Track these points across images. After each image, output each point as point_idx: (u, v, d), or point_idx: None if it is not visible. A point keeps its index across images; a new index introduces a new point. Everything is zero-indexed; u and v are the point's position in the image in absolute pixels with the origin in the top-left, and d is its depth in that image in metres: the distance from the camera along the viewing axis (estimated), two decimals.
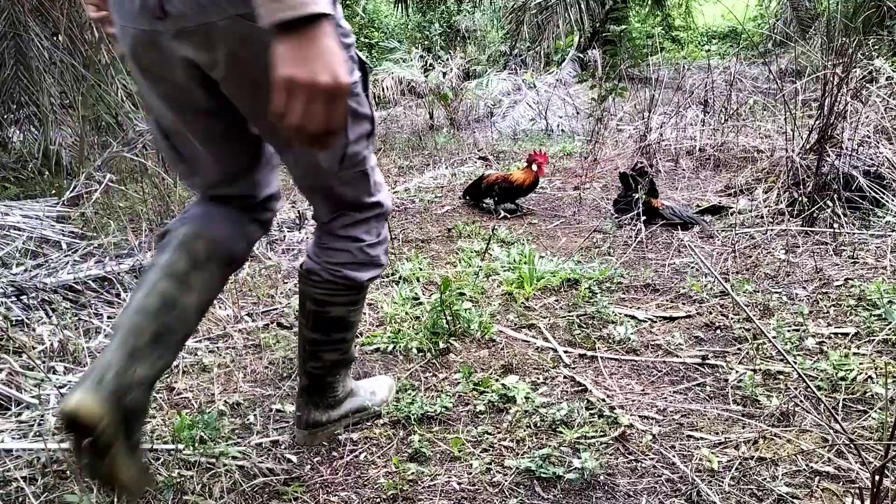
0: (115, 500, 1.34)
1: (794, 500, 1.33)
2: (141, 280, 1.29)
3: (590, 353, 2.01)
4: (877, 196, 3.00)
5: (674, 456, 1.49)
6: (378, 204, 1.47)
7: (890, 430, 1.38)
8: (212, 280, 1.34)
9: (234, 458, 1.51)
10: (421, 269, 2.68)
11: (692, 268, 2.62)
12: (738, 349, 1.99)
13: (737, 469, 1.44)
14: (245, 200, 1.42)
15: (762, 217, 3.03)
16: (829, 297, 2.25)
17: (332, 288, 1.47)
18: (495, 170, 4.55)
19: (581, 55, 9.09)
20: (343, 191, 1.40)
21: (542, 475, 1.44)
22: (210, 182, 1.39)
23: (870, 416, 1.58)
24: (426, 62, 8.05)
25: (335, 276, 1.46)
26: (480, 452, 1.54)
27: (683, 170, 4.26)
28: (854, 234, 2.72)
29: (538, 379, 1.87)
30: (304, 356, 1.55)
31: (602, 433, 1.59)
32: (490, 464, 1.50)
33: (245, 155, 1.39)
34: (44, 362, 1.91)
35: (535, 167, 3.64)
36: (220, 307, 2.34)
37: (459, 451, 1.54)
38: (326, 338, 1.52)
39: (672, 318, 2.23)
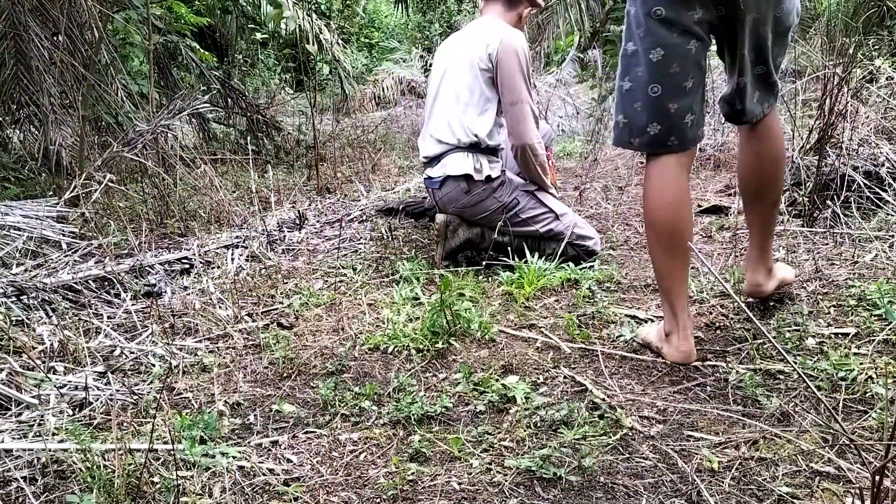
0: (115, 500, 1.34)
1: (794, 500, 1.33)
2: None
3: (590, 354, 2.01)
4: (877, 196, 2.99)
5: (674, 456, 1.49)
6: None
7: (890, 430, 1.38)
8: None
9: (234, 458, 1.51)
10: (421, 269, 2.68)
11: (692, 268, 2.62)
12: (738, 349, 1.98)
13: (737, 469, 1.44)
14: None
15: None
16: (829, 297, 2.24)
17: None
18: None
19: (581, 55, 9.09)
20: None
21: (542, 475, 1.44)
22: None
23: (870, 416, 1.58)
24: (426, 62, 8.06)
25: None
26: (480, 452, 1.54)
27: None
28: (854, 234, 2.72)
29: (538, 379, 1.87)
30: None
31: (602, 433, 1.59)
32: (490, 464, 1.50)
33: None
34: (44, 362, 1.91)
35: None
36: (220, 307, 2.34)
37: (459, 451, 1.54)
38: None
39: None
